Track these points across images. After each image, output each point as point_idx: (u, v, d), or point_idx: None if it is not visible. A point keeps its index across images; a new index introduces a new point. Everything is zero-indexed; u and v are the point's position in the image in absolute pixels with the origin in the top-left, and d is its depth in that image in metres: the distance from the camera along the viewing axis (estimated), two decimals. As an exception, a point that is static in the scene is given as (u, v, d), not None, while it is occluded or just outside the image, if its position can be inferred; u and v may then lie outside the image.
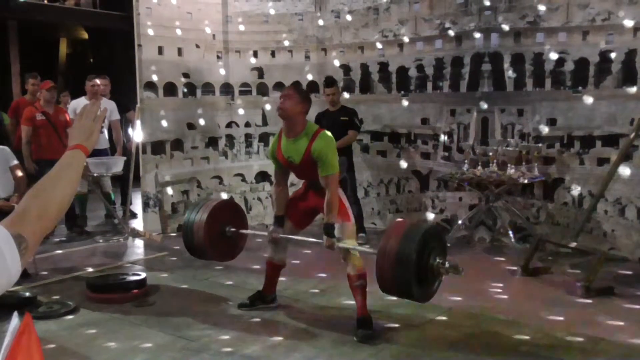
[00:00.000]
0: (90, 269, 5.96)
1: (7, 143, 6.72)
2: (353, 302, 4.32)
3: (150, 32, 7.35)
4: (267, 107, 8.14)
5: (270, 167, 8.07)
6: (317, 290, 5.22)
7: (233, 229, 4.78)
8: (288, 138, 4.35)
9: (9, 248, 1.38)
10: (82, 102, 7.74)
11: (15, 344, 1.43)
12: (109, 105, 7.80)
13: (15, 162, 5.77)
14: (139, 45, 7.31)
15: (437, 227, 4.08)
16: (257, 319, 4.56)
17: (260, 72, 8.15)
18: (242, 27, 7.99)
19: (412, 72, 7.47)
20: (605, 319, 4.49)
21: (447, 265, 3.77)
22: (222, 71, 7.97)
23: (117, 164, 7.17)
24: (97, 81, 7.78)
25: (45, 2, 11.06)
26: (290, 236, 4.59)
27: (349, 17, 7.87)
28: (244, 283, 5.43)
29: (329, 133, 4.33)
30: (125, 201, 7.99)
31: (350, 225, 4.34)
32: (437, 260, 3.77)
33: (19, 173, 5.74)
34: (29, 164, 6.92)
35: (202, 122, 7.84)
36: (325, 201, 4.20)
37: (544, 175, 6.45)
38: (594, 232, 6.29)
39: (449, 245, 6.34)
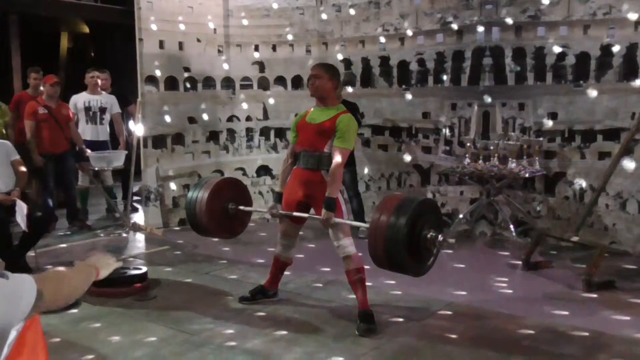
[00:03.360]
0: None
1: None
2: (354, 296, 4.33)
3: (152, 26, 7.34)
4: (271, 101, 8.13)
5: (271, 162, 8.14)
6: (319, 284, 5.22)
7: (235, 206, 4.74)
8: (319, 107, 4.46)
9: (29, 296, 1.58)
10: (82, 96, 7.76)
11: (20, 339, 1.45)
12: (109, 100, 7.83)
13: (17, 156, 5.77)
14: (140, 40, 7.30)
15: (432, 200, 3.99)
16: (259, 313, 4.56)
17: (261, 66, 8.15)
18: (243, 22, 7.98)
19: (413, 66, 7.46)
20: (607, 313, 4.50)
21: (439, 238, 3.69)
22: (224, 65, 7.96)
23: (118, 158, 7.17)
24: (97, 73, 7.83)
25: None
26: (288, 212, 4.48)
27: (350, 11, 7.85)
28: (245, 277, 5.44)
29: None
30: (127, 195, 7.99)
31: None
32: (431, 233, 3.70)
33: (21, 168, 5.75)
34: (36, 156, 6.93)
35: (203, 116, 7.84)
36: (330, 172, 4.20)
37: (545, 169, 6.45)
38: (595, 226, 6.29)
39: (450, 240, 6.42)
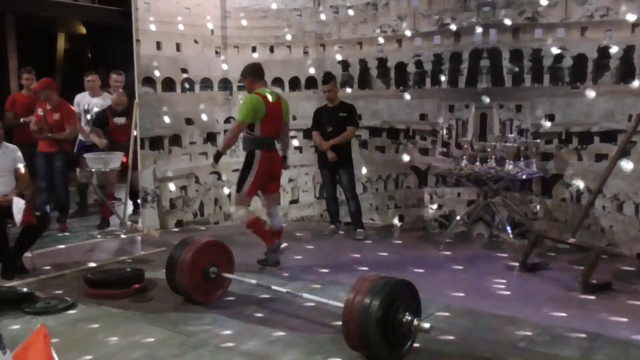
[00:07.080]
0: (88, 264, 5.96)
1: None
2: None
3: (150, 27, 7.34)
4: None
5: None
6: (317, 286, 5.22)
7: (217, 271, 4.84)
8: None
9: None
10: (85, 98, 8.09)
11: (23, 351, 1.45)
12: (106, 101, 7.91)
13: (21, 164, 5.87)
14: (138, 41, 7.30)
15: (408, 282, 3.83)
16: (256, 315, 4.56)
17: (259, 67, 8.13)
18: (241, 23, 7.97)
19: (411, 68, 7.46)
20: (604, 315, 4.50)
21: (415, 323, 3.62)
22: (222, 67, 7.96)
23: (115, 160, 7.15)
24: (94, 77, 8.08)
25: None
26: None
27: (348, 13, 7.85)
28: (242, 278, 5.41)
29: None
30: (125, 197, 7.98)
31: (239, 194, 5.61)
32: (407, 317, 3.64)
33: (23, 172, 5.84)
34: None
35: (200, 117, 7.83)
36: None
37: (542, 171, 6.46)
38: (592, 228, 6.30)
39: (448, 240, 6.44)
